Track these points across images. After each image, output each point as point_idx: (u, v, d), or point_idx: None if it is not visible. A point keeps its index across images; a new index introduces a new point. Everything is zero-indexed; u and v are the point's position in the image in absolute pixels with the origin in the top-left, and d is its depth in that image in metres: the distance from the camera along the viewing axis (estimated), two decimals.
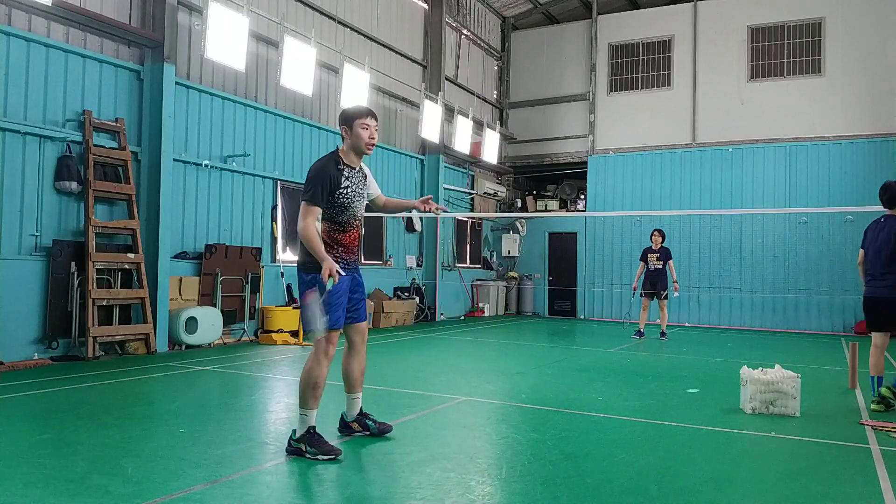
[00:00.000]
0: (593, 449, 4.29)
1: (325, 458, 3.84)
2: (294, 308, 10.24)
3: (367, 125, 4.11)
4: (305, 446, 3.89)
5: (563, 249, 17.54)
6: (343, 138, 4.17)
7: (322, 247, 3.89)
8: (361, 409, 4.45)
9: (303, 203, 3.97)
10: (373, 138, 4.13)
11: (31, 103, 7.50)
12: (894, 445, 4.52)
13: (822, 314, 14.52)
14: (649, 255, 11.68)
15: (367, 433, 4.41)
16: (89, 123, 7.97)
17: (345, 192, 4.05)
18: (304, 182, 4.10)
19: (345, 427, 4.45)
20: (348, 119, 4.14)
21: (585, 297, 16.99)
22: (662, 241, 11.74)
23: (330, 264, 3.82)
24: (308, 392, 3.94)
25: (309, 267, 3.97)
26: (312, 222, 3.94)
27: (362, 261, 13.11)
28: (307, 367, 3.98)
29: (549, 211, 17.61)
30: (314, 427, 3.95)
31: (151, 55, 8.65)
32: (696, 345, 11.10)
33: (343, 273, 3.96)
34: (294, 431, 4.01)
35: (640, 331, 11.81)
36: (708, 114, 15.90)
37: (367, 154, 4.17)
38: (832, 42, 14.76)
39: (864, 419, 5.29)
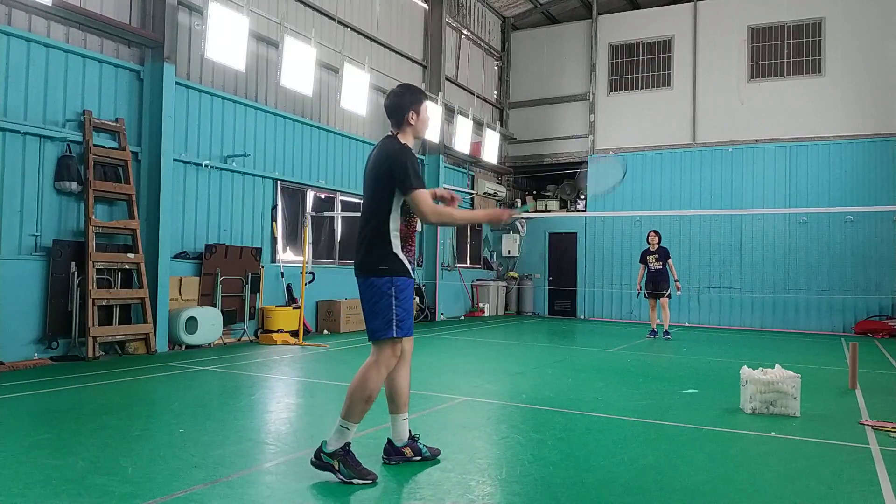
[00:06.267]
0: (593, 449, 4.29)
1: (361, 482, 3.44)
2: (294, 308, 10.24)
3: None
4: (339, 465, 3.48)
5: (563, 249, 17.54)
6: (404, 121, 3.71)
7: (471, 212, 3.47)
8: (411, 431, 3.91)
9: (416, 192, 3.47)
10: None
11: (31, 103, 7.49)
12: (894, 445, 4.52)
13: (822, 314, 14.52)
14: (648, 257, 11.88)
15: (420, 458, 3.85)
16: (89, 123, 7.97)
17: None
18: (386, 170, 3.57)
19: (397, 453, 3.83)
20: (419, 100, 3.73)
21: (585, 297, 16.99)
22: (659, 242, 11.96)
23: (498, 210, 3.71)
24: (359, 405, 3.52)
25: (384, 271, 3.57)
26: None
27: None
28: (365, 377, 3.54)
29: (549, 211, 17.61)
30: (350, 444, 3.53)
31: (151, 55, 8.65)
32: (696, 345, 11.10)
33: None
34: (325, 443, 3.55)
35: (653, 330, 12.04)
36: (708, 114, 15.90)
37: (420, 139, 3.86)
38: (832, 42, 14.76)
39: (864, 419, 5.30)
